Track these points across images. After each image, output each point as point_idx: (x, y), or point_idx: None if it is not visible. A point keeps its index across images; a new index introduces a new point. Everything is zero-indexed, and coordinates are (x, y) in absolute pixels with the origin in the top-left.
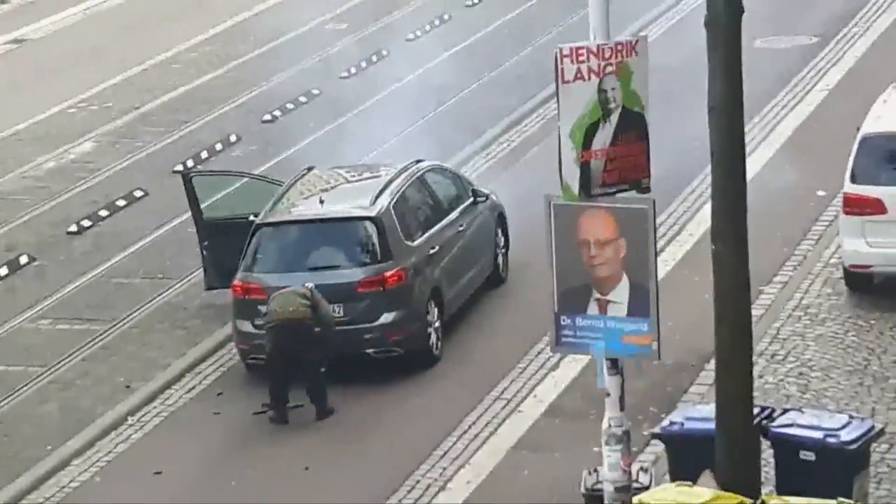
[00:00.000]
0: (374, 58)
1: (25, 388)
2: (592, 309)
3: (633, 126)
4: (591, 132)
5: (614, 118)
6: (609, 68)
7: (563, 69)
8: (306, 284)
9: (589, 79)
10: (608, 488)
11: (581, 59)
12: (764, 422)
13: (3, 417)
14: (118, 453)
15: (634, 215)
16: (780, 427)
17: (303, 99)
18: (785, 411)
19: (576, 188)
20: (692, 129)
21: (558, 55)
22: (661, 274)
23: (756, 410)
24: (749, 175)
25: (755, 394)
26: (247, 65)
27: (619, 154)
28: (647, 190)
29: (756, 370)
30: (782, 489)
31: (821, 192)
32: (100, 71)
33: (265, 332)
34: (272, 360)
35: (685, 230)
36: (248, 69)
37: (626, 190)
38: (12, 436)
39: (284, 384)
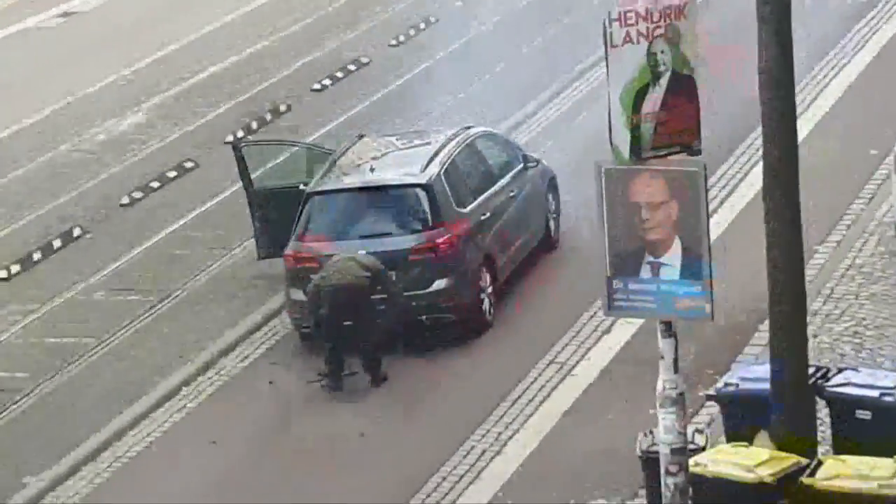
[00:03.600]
0: (423, 25)
1: (80, 360)
2: (645, 272)
3: (683, 88)
4: (640, 96)
5: (664, 81)
6: (658, 31)
7: (611, 33)
8: (370, 256)
9: (638, 42)
10: (664, 450)
11: (630, 22)
12: (819, 381)
13: (58, 389)
14: (173, 423)
15: (686, 178)
16: (836, 386)
17: (352, 67)
18: (840, 370)
19: (626, 152)
20: (743, 90)
21: (607, 19)
22: (713, 235)
23: (811, 370)
24: (800, 135)
25: (810, 353)
26: (295, 34)
27: (669, 117)
28: (698, 152)
29: (810, 330)
30: (838, 448)
31: (873, 151)
32: (149, 42)
33: (321, 296)
34: (327, 325)
35: (737, 191)
36: (297, 39)
37: (677, 153)
38: (68, 407)
39: (339, 352)
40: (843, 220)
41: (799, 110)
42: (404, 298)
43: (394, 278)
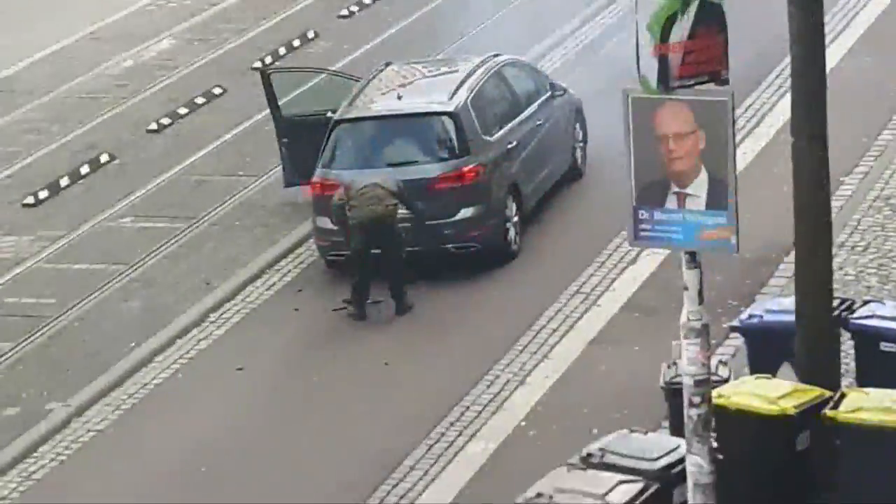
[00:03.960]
0: None
1: (107, 286)
2: (671, 203)
3: (712, 18)
4: (668, 25)
5: (692, 10)
6: None
7: None
8: (391, 177)
9: None
10: (687, 382)
11: None
12: (844, 313)
13: (86, 315)
14: (200, 350)
15: (713, 108)
16: (861, 319)
17: None
18: (865, 303)
19: (654, 81)
20: (772, 20)
21: None
22: (740, 167)
23: (836, 302)
24: (829, 65)
25: (835, 286)
26: None
27: (697, 46)
28: (725, 82)
29: (836, 262)
30: (863, 381)
31: None
32: None
33: (351, 228)
34: (357, 257)
35: (764, 122)
36: None
37: (704, 82)
38: (95, 333)
39: (367, 281)
40: (870, 151)
41: (830, 37)
42: (427, 218)
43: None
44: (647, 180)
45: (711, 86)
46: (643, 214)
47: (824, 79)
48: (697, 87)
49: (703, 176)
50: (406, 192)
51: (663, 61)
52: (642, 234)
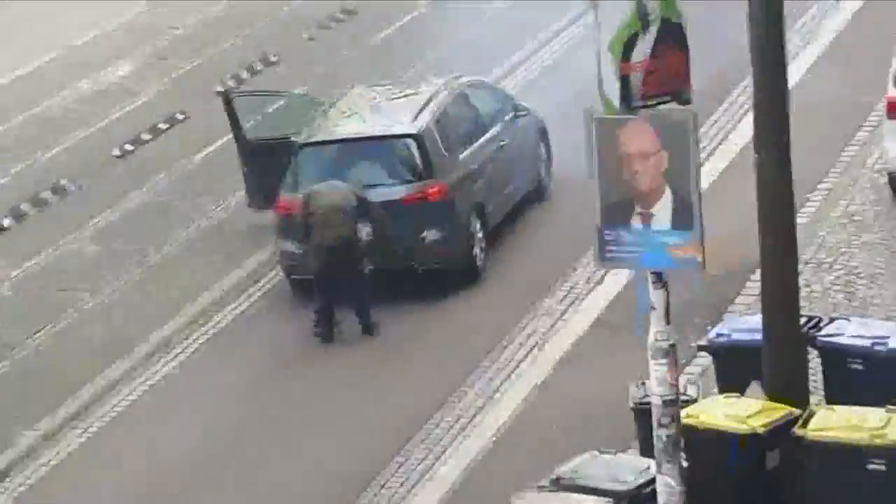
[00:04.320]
0: None
1: (72, 312)
2: (636, 222)
3: (673, 37)
4: (630, 44)
5: (653, 29)
6: None
7: None
8: (348, 192)
9: None
10: (656, 402)
11: None
12: (811, 331)
13: (50, 342)
14: (166, 374)
15: (676, 127)
16: (828, 336)
17: (341, 16)
18: (832, 320)
19: (616, 101)
20: (734, 37)
21: None
22: (704, 184)
23: (803, 320)
24: (791, 82)
25: (802, 303)
26: None
27: (659, 66)
28: (688, 101)
29: (802, 279)
30: (831, 398)
31: (865, 98)
32: None
33: (313, 252)
34: (321, 280)
35: (728, 139)
36: None
37: (667, 101)
38: (61, 359)
39: (331, 303)
40: (834, 167)
41: (793, 53)
42: (385, 225)
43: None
44: (611, 200)
45: (674, 105)
46: (609, 235)
47: (786, 94)
48: (660, 106)
49: (668, 195)
50: (367, 198)
51: (625, 81)
52: (608, 254)
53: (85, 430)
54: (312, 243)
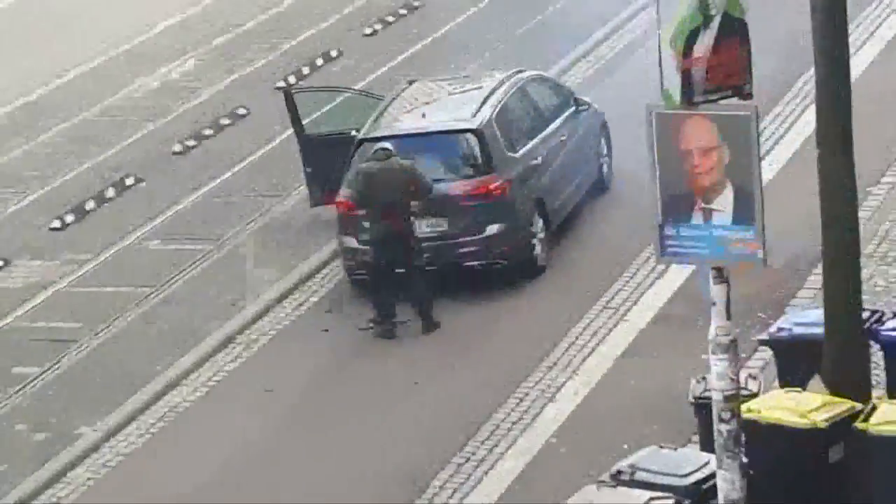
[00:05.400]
0: None
1: (135, 309)
2: (697, 218)
3: (735, 31)
4: (692, 38)
5: (715, 24)
6: None
7: None
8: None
9: None
10: (716, 397)
11: None
12: (873, 325)
13: (113, 338)
14: (228, 372)
15: (737, 122)
16: (891, 330)
17: (403, 11)
18: (895, 314)
19: (677, 96)
20: (798, 28)
21: None
22: (767, 177)
23: (866, 314)
24: (855, 75)
25: (865, 296)
26: None
27: (720, 61)
28: (749, 96)
29: (866, 272)
30: (893, 393)
31: None
32: None
33: (370, 244)
34: (376, 274)
35: (791, 131)
36: None
37: (728, 96)
38: (123, 356)
39: (390, 298)
40: None
41: (858, 44)
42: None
43: (438, 223)
44: (672, 195)
45: (735, 100)
46: (669, 230)
47: (849, 88)
48: (721, 101)
49: (729, 190)
50: (419, 173)
51: (686, 75)
52: (669, 249)
53: (147, 430)
54: (367, 237)
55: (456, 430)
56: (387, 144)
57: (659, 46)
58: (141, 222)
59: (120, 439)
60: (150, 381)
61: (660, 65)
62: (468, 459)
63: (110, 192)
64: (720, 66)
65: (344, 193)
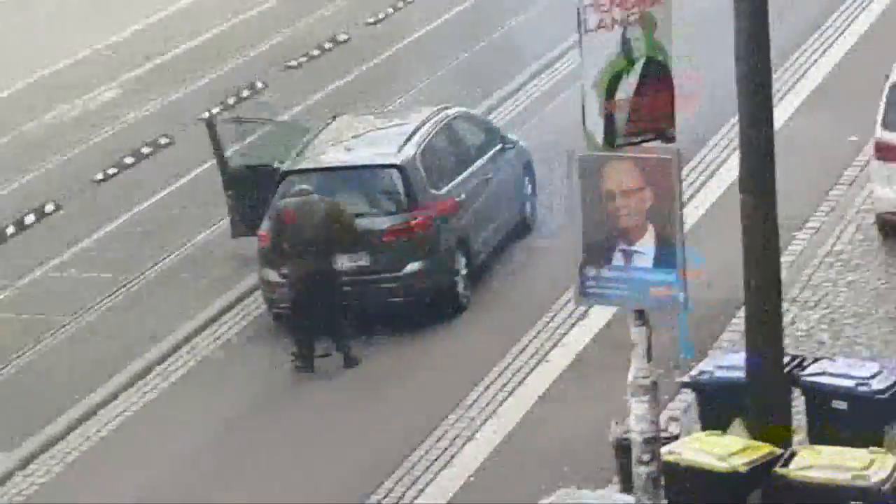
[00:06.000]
0: (401, 3)
1: (51, 338)
2: (618, 260)
3: (658, 76)
4: (615, 82)
5: (638, 68)
6: (633, 17)
7: (586, 18)
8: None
9: (612, 28)
10: (637, 439)
11: (604, 8)
12: (795, 370)
13: (28, 367)
14: (146, 403)
15: (659, 165)
16: (812, 375)
17: (328, 45)
18: (816, 360)
19: (600, 139)
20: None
21: (581, 3)
22: (691, 221)
23: (787, 359)
24: (780, 121)
25: (787, 341)
26: (273, 9)
27: (643, 104)
28: (672, 139)
29: (788, 317)
30: (814, 438)
31: (853, 138)
32: (123, 18)
33: (289, 281)
34: (296, 310)
35: (716, 176)
36: (275, 14)
37: (651, 139)
38: (40, 385)
39: (310, 333)
40: (822, 206)
41: (781, 92)
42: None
43: (361, 257)
44: (594, 237)
45: (658, 143)
46: (590, 271)
47: (772, 135)
48: (644, 144)
49: (651, 233)
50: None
51: (609, 119)
52: (589, 290)
53: (61, 460)
54: (287, 274)
55: (373, 468)
56: (306, 185)
57: (582, 88)
58: (59, 250)
59: (35, 468)
60: (66, 410)
61: (583, 107)
62: (386, 496)
63: (30, 219)
64: (643, 109)
65: (265, 227)
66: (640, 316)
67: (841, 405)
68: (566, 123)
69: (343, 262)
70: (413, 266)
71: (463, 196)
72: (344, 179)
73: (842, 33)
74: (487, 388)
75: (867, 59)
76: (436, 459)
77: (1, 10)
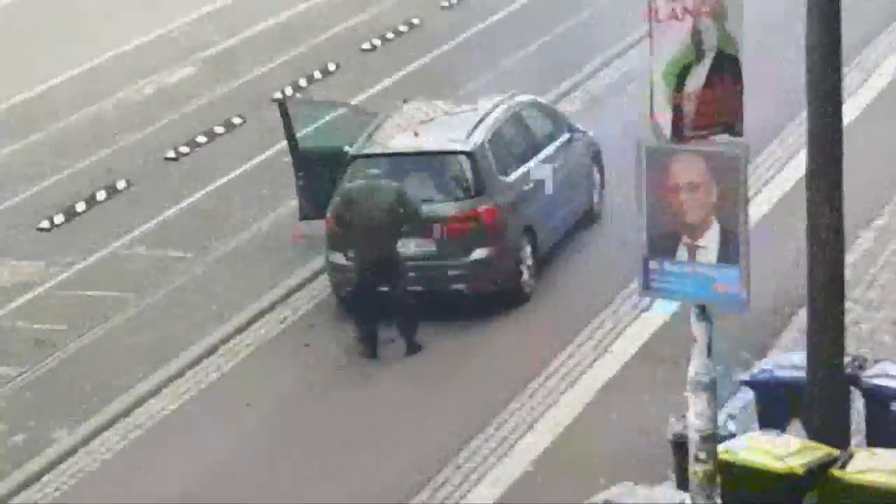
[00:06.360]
0: None
1: (119, 315)
2: (682, 254)
3: (727, 69)
4: (684, 74)
5: (708, 60)
6: (704, 9)
7: (656, 8)
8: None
9: (683, 19)
10: (693, 436)
11: None
12: (855, 371)
13: (96, 343)
14: (209, 382)
15: (726, 160)
16: (872, 377)
17: (403, 28)
18: (877, 361)
19: (668, 131)
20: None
21: None
22: (756, 216)
23: (848, 359)
24: (848, 118)
25: (849, 341)
26: None
27: (711, 97)
28: (739, 134)
29: (851, 317)
30: (872, 441)
31: None
32: None
33: (354, 265)
34: (361, 295)
35: (783, 171)
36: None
37: (718, 133)
38: (104, 362)
39: (373, 318)
40: (889, 205)
41: (851, 88)
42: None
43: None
44: (658, 230)
45: (726, 137)
46: (654, 265)
47: (841, 131)
48: (711, 138)
49: (716, 228)
50: (409, 203)
51: (677, 111)
52: (653, 283)
53: (124, 437)
54: (352, 257)
55: (433, 455)
56: (376, 169)
57: (651, 81)
58: (129, 227)
59: (98, 444)
60: (131, 388)
61: (651, 99)
62: (443, 484)
63: (101, 195)
64: (711, 102)
65: (331, 210)
66: (702, 311)
67: None
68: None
69: (410, 248)
70: (479, 253)
71: (531, 184)
72: (412, 165)
73: None
74: (549, 378)
75: None
76: (495, 449)
77: None
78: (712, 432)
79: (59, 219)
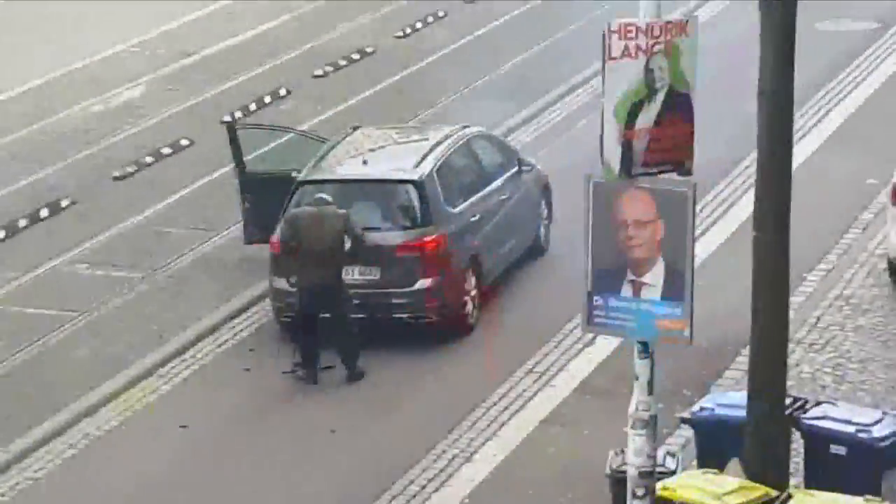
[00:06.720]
0: (431, 19)
1: (58, 332)
2: (626, 290)
3: (679, 107)
4: (635, 111)
5: (660, 98)
6: (657, 47)
7: (610, 45)
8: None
9: (636, 56)
10: (632, 472)
11: (629, 35)
12: (796, 412)
13: (33, 360)
14: (146, 404)
15: (674, 197)
16: (812, 419)
17: (356, 56)
18: (818, 403)
19: (616, 167)
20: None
21: (606, 31)
22: (703, 256)
23: (789, 401)
24: (798, 161)
25: (790, 383)
26: (304, 17)
27: (662, 135)
28: (688, 172)
29: (793, 359)
30: (810, 482)
31: (871, 181)
32: (155, 15)
33: (297, 291)
34: (303, 320)
35: (730, 212)
36: (305, 22)
37: (668, 171)
38: (41, 380)
39: (314, 344)
40: (835, 248)
41: (802, 132)
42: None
43: (371, 272)
44: (603, 266)
45: (675, 175)
46: (598, 300)
47: (790, 173)
48: (660, 175)
49: (661, 265)
50: (350, 221)
51: (627, 147)
52: (596, 319)
53: (58, 456)
54: (295, 283)
55: (369, 483)
56: (325, 195)
57: (602, 116)
58: (72, 245)
59: (30, 463)
60: (67, 406)
61: (601, 134)
62: None
63: (44, 212)
64: (662, 140)
65: (277, 235)
66: (645, 348)
67: (840, 450)
68: (587, 149)
69: (354, 275)
70: (424, 283)
71: (477, 216)
72: (359, 192)
73: (868, 74)
74: (489, 409)
75: (891, 103)
76: (432, 479)
77: (37, 5)
78: (651, 469)
79: (0, 234)
